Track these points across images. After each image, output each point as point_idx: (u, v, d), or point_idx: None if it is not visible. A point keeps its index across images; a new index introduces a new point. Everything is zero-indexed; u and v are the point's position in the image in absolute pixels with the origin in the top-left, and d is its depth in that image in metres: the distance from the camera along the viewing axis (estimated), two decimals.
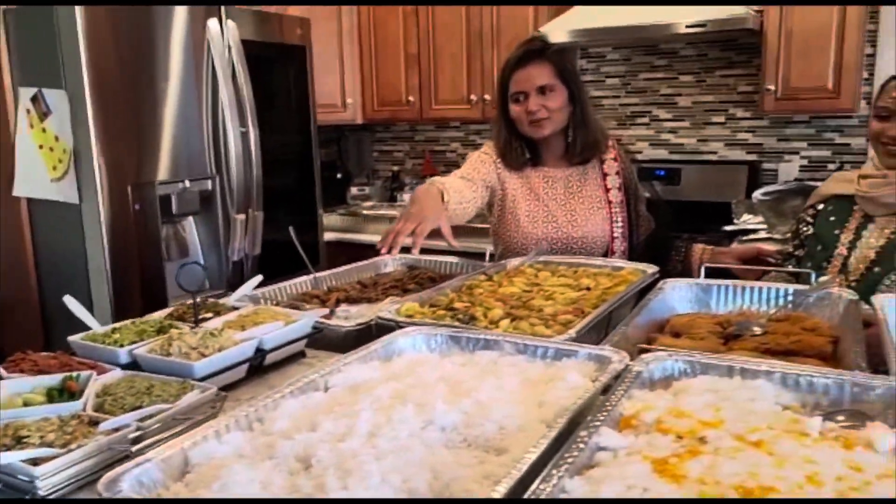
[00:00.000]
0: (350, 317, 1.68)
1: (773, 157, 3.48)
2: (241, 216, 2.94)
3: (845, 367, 1.21)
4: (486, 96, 3.74)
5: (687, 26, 3.03)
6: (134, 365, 1.36)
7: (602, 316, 1.51)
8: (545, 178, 2.15)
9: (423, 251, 2.24)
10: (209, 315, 1.55)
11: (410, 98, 3.98)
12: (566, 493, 0.81)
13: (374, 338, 1.38)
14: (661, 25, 3.12)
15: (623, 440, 0.93)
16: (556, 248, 2.10)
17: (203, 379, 1.27)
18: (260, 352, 1.41)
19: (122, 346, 1.38)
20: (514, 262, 1.98)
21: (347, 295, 1.89)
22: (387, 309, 1.58)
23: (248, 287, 1.76)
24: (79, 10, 2.40)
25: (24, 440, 1.03)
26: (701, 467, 0.85)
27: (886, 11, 3.13)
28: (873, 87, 3.13)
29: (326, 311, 1.62)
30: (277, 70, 3.26)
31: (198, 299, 1.53)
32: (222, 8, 2.86)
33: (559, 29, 3.34)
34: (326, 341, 1.58)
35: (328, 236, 3.66)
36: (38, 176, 2.57)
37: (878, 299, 1.48)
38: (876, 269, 1.76)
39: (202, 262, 2.89)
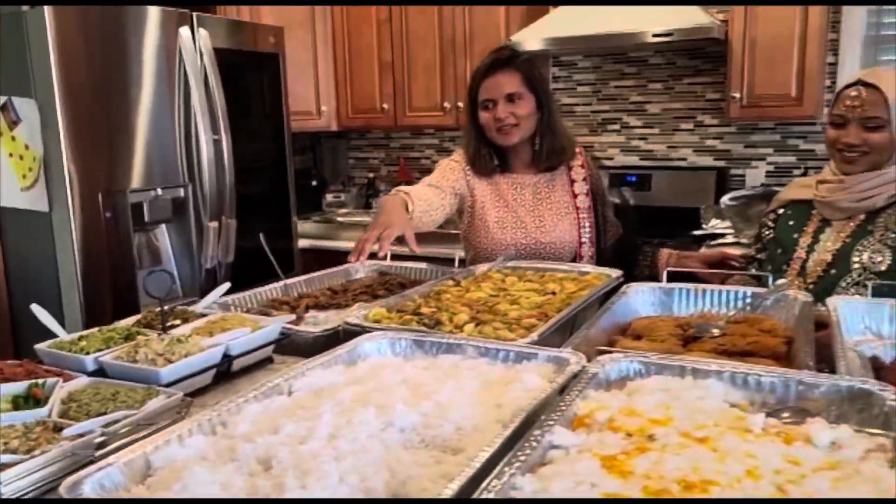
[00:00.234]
0: (318, 323, 1.70)
1: (740, 163, 3.55)
2: (214, 224, 2.95)
3: (797, 367, 1.25)
4: (460, 104, 3.77)
5: (654, 35, 3.09)
6: (101, 372, 1.37)
7: (565, 319, 1.55)
8: (514, 184, 2.19)
9: (394, 258, 2.29)
10: (177, 322, 1.56)
11: (385, 105, 4.01)
12: (516, 490, 0.84)
13: (341, 343, 1.40)
14: (629, 34, 3.18)
15: (575, 438, 0.96)
16: (525, 253, 2.13)
17: (170, 385, 1.28)
18: (227, 358, 1.42)
19: (88, 353, 1.39)
20: (482, 268, 2.01)
21: (317, 301, 1.92)
22: (354, 314, 1.60)
23: (217, 294, 1.77)
24: (49, 19, 2.40)
25: None
26: (647, 463, 0.88)
27: (847, 21, 3.21)
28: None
29: (293, 317, 1.64)
30: (251, 78, 3.27)
31: (166, 307, 1.54)
32: (194, 16, 2.88)
33: (531, 37, 3.39)
34: (295, 347, 1.59)
35: (303, 243, 3.67)
36: (7, 184, 2.57)
37: (832, 301, 1.53)
38: (832, 272, 1.82)
39: (175, 269, 2.89)
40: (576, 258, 2.17)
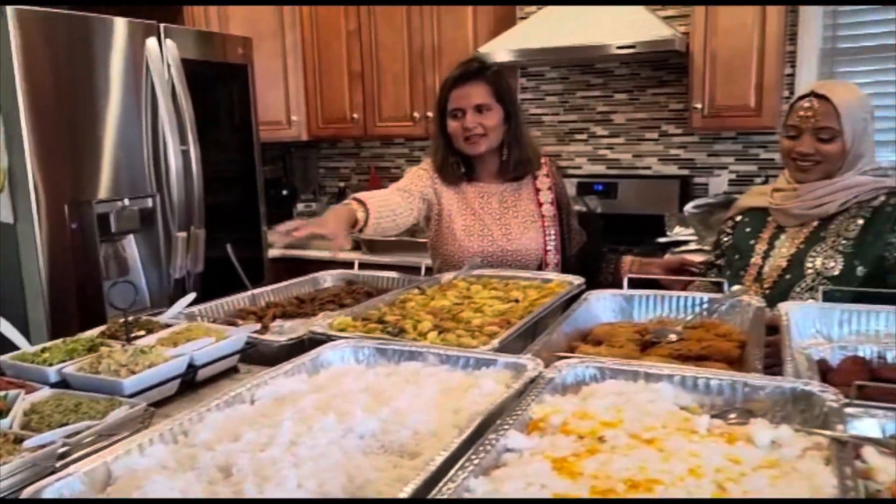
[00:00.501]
0: (284, 332, 1.72)
1: (703, 172, 3.63)
2: (183, 234, 2.95)
3: (748, 370, 1.30)
4: (429, 114, 3.80)
5: (617, 47, 3.16)
6: (64, 384, 1.37)
7: (526, 326, 1.58)
8: (480, 193, 2.22)
9: (362, 266, 2.31)
10: (142, 333, 1.57)
11: (355, 115, 4.04)
12: (469, 492, 0.86)
13: (307, 351, 1.42)
14: (593, 46, 3.24)
15: (529, 442, 0.99)
16: (492, 260, 2.17)
17: (133, 395, 1.29)
18: (191, 368, 1.44)
19: (51, 364, 1.39)
20: (447, 277, 2.04)
21: (284, 310, 1.93)
22: (319, 323, 1.62)
23: (182, 304, 1.78)
24: (13, 28, 2.40)
25: None
26: (596, 464, 0.91)
27: (804, 34, 3.31)
28: None
29: (258, 326, 1.65)
30: (220, 88, 3.28)
31: (131, 317, 1.55)
32: (161, 27, 2.88)
33: (499, 49, 3.44)
34: (260, 356, 1.61)
35: (273, 253, 3.67)
36: None
37: (784, 306, 1.58)
38: (787, 277, 1.87)
39: (143, 280, 2.89)
40: (542, 266, 2.20)
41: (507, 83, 2.19)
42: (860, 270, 1.77)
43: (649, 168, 3.75)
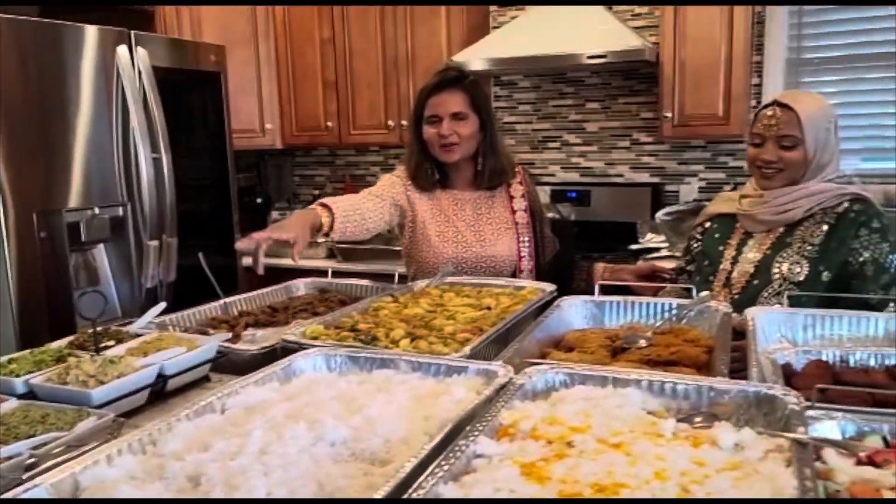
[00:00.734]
0: (256, 341, 1.71)
1: (674, 180, 3.68)
2: (155, 243, 2.92)
3: (716, 375, 1.32)
4: (404, 122, 3.81)
5: (588, 57, 3.20)
6: (31, 395, 1.35)
7: (498, 333, 1.59)
8: (454, 200, 2.23)
9: (335, 275, 2.31)
10: (111, 343, 1.56)
11: (329, 123, 4.04)
12: (439, 497, 0.87)
13: (279, 361, 1.41)
14: (565, 55, 3.28)
15: (499, 447, 1.00)
16: (467, 266, 2.18)
17: (102, 406, 1.28)
18: (161, 378, 1.43)
19: (18, 375, 1.37)
20: (420, 284, 2.05)
21: (257, 319, 1.92)
22: (292, 332, 1.62)
23: (152, 314, 1.77)
24: None
25: None
26: (564, 469, 0.92)
27: (770, 44, 3.37)
28: None
29: (230, 335, 1.64)
30: (192, 96, 3.26)
31: (100, 327, 1.54)
32: (132, 34, 2.86)
33: (472, 58, 3.46)
34: (232, 366, 1.60)
35: (247, 261, 3.64)
36: None
37: (750, 311, 1.62)
38: (755, 282, 1.90)
39: (114, 289, 2.85)
40: (516, 272, 2.22)
41: (483, 93, 2.21)
42: (825, 276, 1.80)
43: (621, 176, 3.80)
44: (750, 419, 1.09)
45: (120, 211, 2.84)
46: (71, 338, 1.62)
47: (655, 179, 3.72)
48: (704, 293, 1.81)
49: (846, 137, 2.69)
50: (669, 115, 3.27)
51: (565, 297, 1.85)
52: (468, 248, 2.18)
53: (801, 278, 1.82)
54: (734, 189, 3.44)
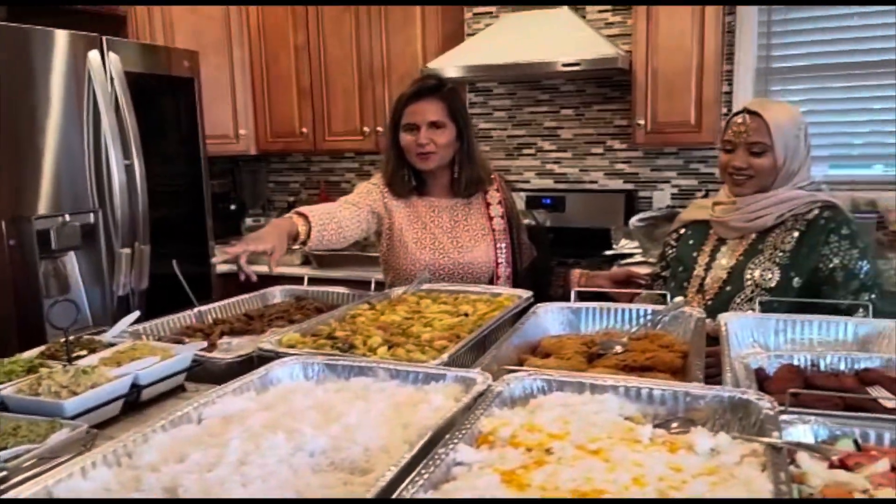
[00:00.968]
0: (232, 349, 1.70)
1: (647, 186, 3.72)
2: (127, 250, 2.89)
3: (690, 380, 1.34)
4: (379, 128, 3.81)
5: (563, 65, 3.23)
6: (2, 406, 1.33)
7: (475, 340, 1.60)
8: (431, 207, 2.24)
9: (311, 282, 2.30)
10: (84, 352, 1.53)
11: (304, 130, 4.02)
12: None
13: (256, 369, 1.40)
14: (540, 63, 3.31)
15: (478, 455, 1.00)
16: (444, 273, 2.18)
17: (75, 417, 1.26)
18: (136, 387, 1.41)
19: None
20: (397, 291, 2.04)
21: (232, 327, 1.91)
22: (268, 340, 1.61)
23: (126, 323, 1.74)
24: None
25: None
26: (544, 476, 0.93)
27: (740, 53, 3.43)
28: None
29: (205, 344, 1.63)
30: (165, 102, 3.23)
31: (72, 336, 1.51)
32: (104, 39, 2.83)
33: (447, 65, 3.48)
34: (208, 374, 1.58)
35: (221, 268, 3.61)
36: None
37: (723, 317, 1.64)
38: (728, 288, 1.93)
39: (85, 298, 2.81)
40: (493, 279, 2.23)
41: (461, 101, 2.23)
42: (796, 282, 1.84)
43: (595, 182, 3.83)
44: (725, 424, 1.10)
45: (91, 218, 2.80)
46: (42, 347, 1.59)
47: (629, 186, 3.75)
48: (678, 299, 1.83)
49: (814, 145, 2.75)
50: (642, 122, 3.31)
51: (541, 304, 1.86)
52: (445, 255, 2.18)
53: (773, 284, 1.85)
54: (706, 195, 3.49)
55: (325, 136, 4.00)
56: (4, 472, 1.05)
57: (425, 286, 2.09)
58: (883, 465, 0.95)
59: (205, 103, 3.38)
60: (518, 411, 1.16)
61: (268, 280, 2.38)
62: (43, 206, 2.64)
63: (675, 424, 1.10)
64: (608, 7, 3.66)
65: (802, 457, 0.98)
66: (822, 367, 1.45)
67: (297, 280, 2.37)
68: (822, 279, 1.83)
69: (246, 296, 2.17)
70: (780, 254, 1.88)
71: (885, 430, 1.04)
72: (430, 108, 2.13)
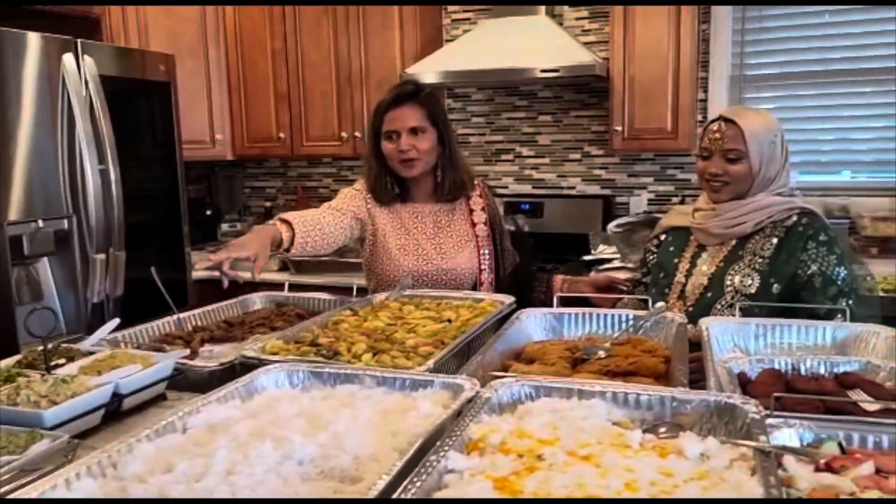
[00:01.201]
0: (214, 357, 1.68)
1: (624, 192, 3.76)
2: (101, 256, 2.84)
3: (674, 385, 1.35)
4: (357, 133, 3.81)
5: (542, 71, 3.25)
6: None
7: (460, 346, 1.60)
8: (414, 213, 2.23)
9: (292, 288, 2.29)
10: (62, 361, 1.51)
11: (281, 134, 3.99)
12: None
13: (239, 377, 1.39)
14: (519, 69, 3.32)
15: (469, 462, 1.00)
16: (427, 279, 2.18)
17: (55, 428, 1.24)
18: (117, 397, 1.38)
19: None
20: (379, 297, 2.04)
21: (213, 334, 1.88)
22: (251, 347, 1.59)
23: (105, 331, 1.72)
24: None
25: None
26: (536, 482, 0.93)
27: (715, 61, 3.48)
28: None
29: (187, 352, 1.61)
30: (141, 106, 3.19)
31: (49, 345, 1.48)
32: (78, 43, 2.79)
33: (425, 70, 3.48)
34: (190, 383, 1.56)
35: (197, 275, 3.57)
36: None
37: (704, 322, 1.65)
38: (709, 294, 1.95)
39: (58, 305, 2.76)
40: (476, 285, 2.23)
41: (440, 106, 2.22)
42: (776, 288, 1.86)
43: (573, 188, 3.86)
44: (712, 428, 1.11)
45: (65, 224, 2.75)
46: (19, 356, 1.56)
47: (606, 191, 3.79)
48: (660, 304, 1.85)
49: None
50: (620, 128, 3.35)
51: (524, 310, 1.86)
52: (429, 261, 2.18)
53: (753, 290, 1.87)
54: (682, 201, 3.54)
55: (303, 142, 3.98)
56: None
57: (407, 292, 2.09)
58: (868, 467, 0.96)
59: (180, 107, 3.34)
60: (506, 417, 1.16)
61: (247, 286, 2.36)
62: (15, 212, 2.59)
63: (662, 429, 1.10)
64: (585, 14, 3.69)
65: (789, 460, 0.99)
66: (803, 371, 1.47)
67: (277, 286, 2.35)
68: (800, 285, 1.85)
69: (225, 302, 2.15)
70: (760, 260, 1.90)
71: (868, 433, 1.06)
72: (410, 113, 2.13)
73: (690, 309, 1.94)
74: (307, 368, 1.39)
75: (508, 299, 1.96)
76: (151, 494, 0.95)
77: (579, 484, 0.91)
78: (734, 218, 1.95)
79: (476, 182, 2.30)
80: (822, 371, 1.47)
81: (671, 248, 2.11)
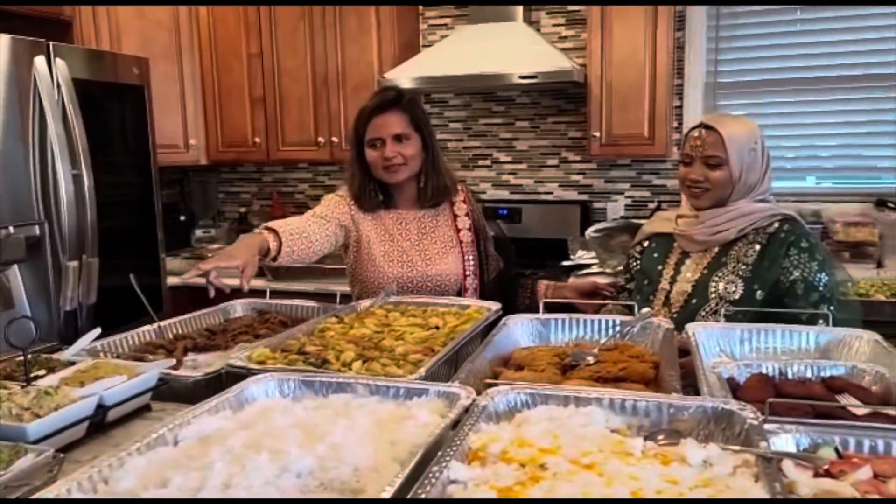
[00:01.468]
0: (198, 366, 1.65)
1: (601, 197, 3.78)
2: (74, 263, 2.77)
3: (664, 391, 1.35)
4: (334, 139, 3.78)
5: (520, 77, 3.26)
6: None
7: (451, 353, 1.59)
8: (399, 219, 2.22)
9: (273, 295, 2.26)
10: (42, 372, 1.46)
11: (257, 139, 3.95)
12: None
13: (225, 386, 1.36)
14: (498, 75, 3.33)
15: (471, 472, 0.99)
16: (412, 286, 2.16)
17: (38, 441, 1.20)
18: (101, 408, 1.35)
19: None
20: (364, 304, 2.02)
21: (195, 343, 1.85)
22: (237, 356, 1.56)
23: (86, 340, 1.67)
24: None
25: None
26: (541, 492, 0.92)
27: (689, 68, 3.53)
28: (682, 134, 3.51)
29: (173, 361, 1.57)
30: (114, 110, 3.13)
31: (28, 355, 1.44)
32: (50, 45, 2.73)
33: (403, 76, 3.46)
34: (174, 393, 1.53)
35: (172, 281, 3.51)
36: None
37: (690, 327, 1.66)
38: (693, 301, 1.96)
39: (29, 313, 2.69)
40: (461, 291, 2.22)
41: (423, 111, 2.21)
42: (759, 294, 1.88)
43: (551, 193, 3.88)
44: (709, 434, 1.12)
45: (36, 230, 2.68)
46: None
47: (584, 197, 3.81)
48: (646, 310, 1.85)
49: None
50: (597, 134, 3.37)
51: (511, 316, 1.86)
52: (413, 267, 2.16)
53: (737, 297, 1.89)
54: (658, 206, 3.58)
55: (279, 146, 3.93)
56: None
57: (392, 298, 2.07)
58: (865, 472, 0.97)
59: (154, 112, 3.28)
60: (504, 426, 1.16)
61: (226, 294, 2.31)
62: None
63: (661, 436, 1.10)
64: (562, 21, 3.72)
65: (788, 465, 1.00)
66: (790, 376, 1.49)
67: (259, 293, 2.30)
68: (783, 291, 1.88)
69: (206, 310, 2.11)
70: (743, 267, 1.92)
71: (864, 438, 1.07)
72: (394, 120, 2.12)
73: (675, 315, 1.95)
74: (298, 377, 1.37)
75: (495, 306, 1.95)
76: None
77: (585, 492, 0.91)
78: (717, 225, 1.97)
79: (459, 187, 2.30)
80: (808, 375, 1.49)
81: (655, 255, 2.12)
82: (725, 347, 1.66)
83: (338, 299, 2.15)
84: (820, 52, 3.45)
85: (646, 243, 2.17)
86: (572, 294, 2.18)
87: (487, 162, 3.97)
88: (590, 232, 3.42)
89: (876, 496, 0.92)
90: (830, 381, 1.44)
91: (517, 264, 3.13)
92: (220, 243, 4.21)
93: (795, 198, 3.39)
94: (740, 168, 1.93)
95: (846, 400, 1.33)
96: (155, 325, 1.92)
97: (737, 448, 1.01)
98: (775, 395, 1.33)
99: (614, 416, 1.18)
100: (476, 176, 3.99)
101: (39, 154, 2.69)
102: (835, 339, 1.64)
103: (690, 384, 1.41)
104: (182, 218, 4.22)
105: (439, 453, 1.01)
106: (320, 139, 3.83)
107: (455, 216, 2.26)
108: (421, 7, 3.96)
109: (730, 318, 1.78)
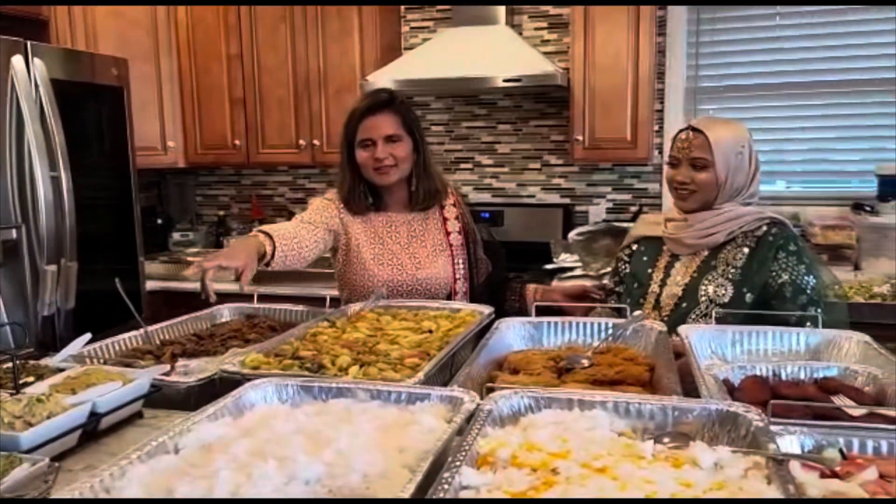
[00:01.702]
0: (190, 371, 1.61)
1: (583, 201, 3.80)
2: (52, 267, 2.72)
3: (661, 393, 1.36)
4: (315, 141, 3.75)
5: (504, 80, 3.26)
6: None
7: (447, 357, 1.58)
8: (388, 222, 2.20)
9: (261, 299, 2.23)
10: (30, 379, 1.42)
11: (236, 142, 3.90)
12: None
13: (218, 392, 1.34)
14: (480, 78, 3.33)
15: (482, 478, 0.98)
16: (402, 289, 2.15)
17: (31, 450, 1.17)
18: (94, 416, 1.32)
19: None
20: (354, 308, 2.00)
21: (184, 348, 1.81)
22: (230, 361, 1.54)
23: (76, 346, 1.63)
24: None
25: None
26: (556, 497, 0.92)
27: (671, 73, 3.57)
28: (663, 138, 3.55)
29: (166, 367, 1.54)
30: (92, 111, 3.07)
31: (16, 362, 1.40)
32: (28, 45, 2.67)
33: (384, 78, 3.44)
34: (166, 399, 1.50)
35: (150, 285, 3.46)
36: None
37: (682, 329, 1.67)
38: (683, 304, 1.97)
39: (6, 318, 2.62)
40: (451, 294, 2.21)
41: (414, 114, 2.20)
42: (749, 297, 1.90)
43: (533, 196, 3.89)
44: (714, 436, 1.12)
45: (14, 233, 2.63)
46: None
47: (566, 200, 3.82)
48: (638, 313, 1.86)
49: None
50: (580, 138, 3.39)
51: (503, 319, 1.86)
52: (403, 270, 2.15)
53: (727, 300, 1.90)
54: (640, 209, 3.60)
55: (259, 149, 3.89)
56: None
57: (382, 302, 2.06)
58: (871, 472, 0.98)
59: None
60: (511, 430, 1.15)
61: (211, 302, 2.27)
62: None
63: (667, 439, 1.11)
64: (544, 25, 3.73)
65: (794, 467, 1.00)
66: (784, 377, 1.51)
67: (246, 297, 2.27)
68: (771, 294, 1.89)
69: (193, 315, 2.08)
70: (733, 270, 1.93)
71: (867, 439, 1.08)
72: (386, 121, 2.11)
73: (665, 318, 1.96)
74: (296, 383, 1.35)
75: (487, 309, 1.95)
76: None
77: (599, 497, 0.90)
78: (706, 228, 1.98)
79: (450, 190, 2.29)
80: (802, 377, 1.51)
81: (644, 258, 2.12)
82: (717, 349, 1.68)
83: (327, 303, 2.13)
84: (797, 57, 3.51)
85: (634, 246, 2.18)
86: (561, 297, 2.18)
87: (469, 165, 3.97)
88: (573, 235, 3.44)
89: (884, 496, 0.93)
90: (824, 382, 1.46)
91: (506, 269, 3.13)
92: (198, 247, 4.16)
93: (772, 201, 3.43)
94: (726, 170, 1.95)
95: (841, 401, 1.35)
96: (142, 331, 1.88)
97: (746, 450, 1.01)
98: (771, 396, 1.34)
99: (619, 420, 1.18)
100: (458, 179, 3.98)
101: (17, 155, 2.63)
102: (825, 341, 1.66)
103: (685, 386, 1.41)
104: (159, 221, 4.16)
105: (449, 459, 1.00)
106: (301, 142, 3.80)
107: (445, 219, 2.25)
108: (403, 9, 3.95)
109: (720, 320, 1.80)
